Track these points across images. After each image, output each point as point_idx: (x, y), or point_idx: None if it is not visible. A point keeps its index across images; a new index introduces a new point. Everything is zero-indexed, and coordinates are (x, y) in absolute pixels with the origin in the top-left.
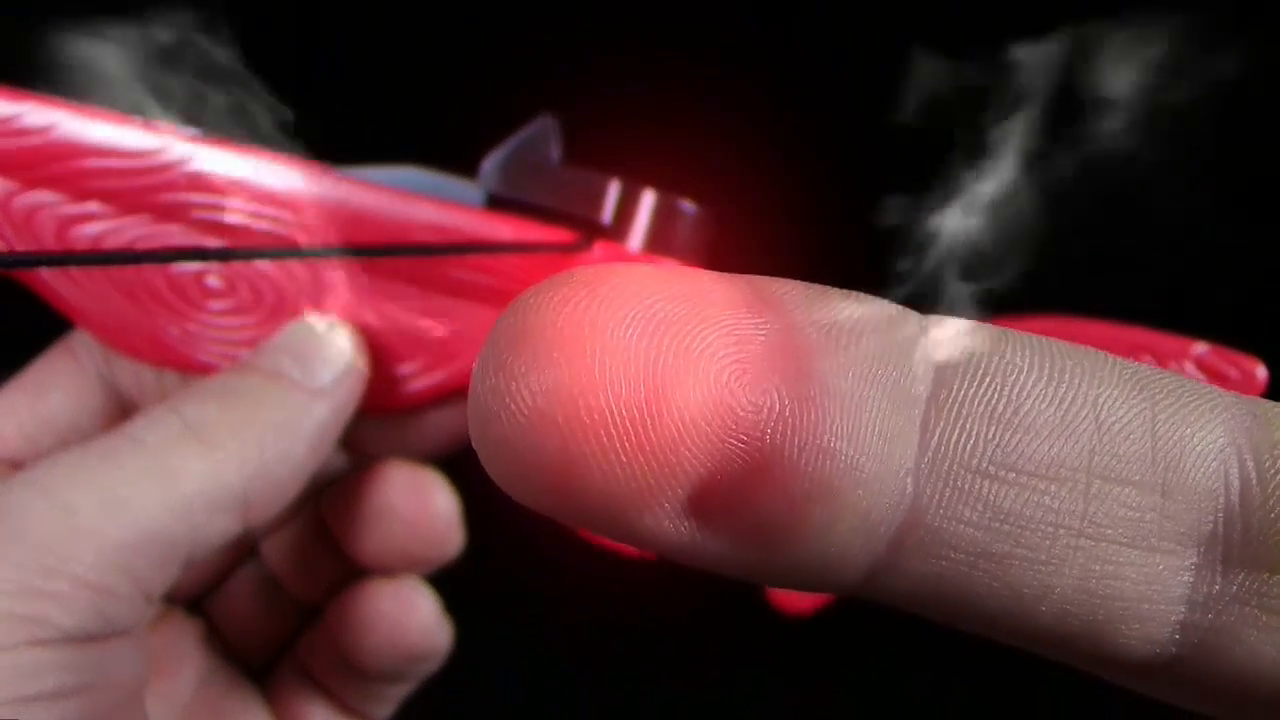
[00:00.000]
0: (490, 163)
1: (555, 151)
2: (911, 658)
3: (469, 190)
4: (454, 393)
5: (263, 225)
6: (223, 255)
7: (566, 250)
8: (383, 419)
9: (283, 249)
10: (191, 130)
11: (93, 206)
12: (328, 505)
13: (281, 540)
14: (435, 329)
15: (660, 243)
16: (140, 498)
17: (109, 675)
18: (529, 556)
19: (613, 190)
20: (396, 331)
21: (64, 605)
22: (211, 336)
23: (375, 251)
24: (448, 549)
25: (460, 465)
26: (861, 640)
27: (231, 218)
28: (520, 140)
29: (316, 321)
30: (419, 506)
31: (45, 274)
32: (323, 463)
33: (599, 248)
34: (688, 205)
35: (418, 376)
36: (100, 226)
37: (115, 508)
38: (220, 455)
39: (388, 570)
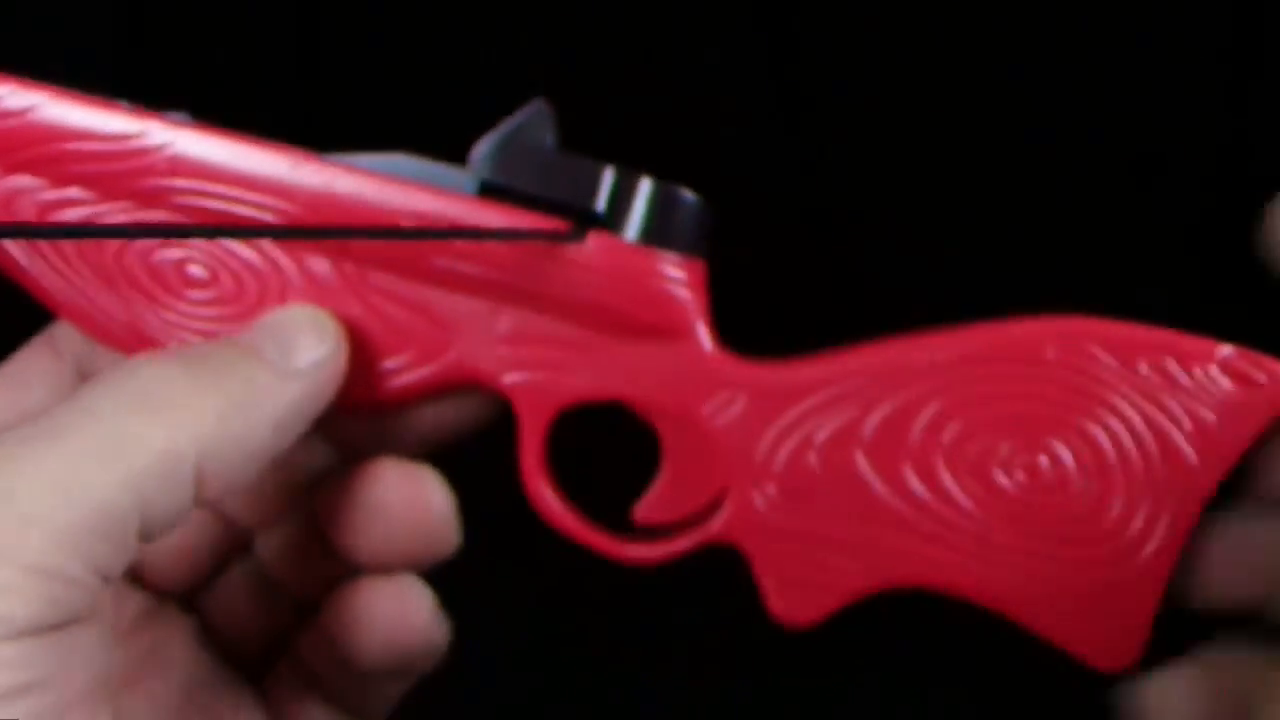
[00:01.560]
0: (481, 147)
1: (549, 137)
2: (919, 668)
3: (461, 177)
4: (443, 387)
5: (247, 212)
6: (196, 233)
7: (557, 240)
8: (371, 414)
9: (264, 229)
10: (176, 114)
11: (74, 192)
12: (320, 502)
13: (275, 536)
14: (423, 321)
15: (658, 234)
16: (89, 474)
17: (70, 667)
18: (528, 555)
19: (607, 177)
20: (384, 324)
21: (15, 596)
22: (192, 327)
23: (356, 233)
24: (444, 546)
25: (453, 460)
26: (867, 650)
27: (215, 204)
28: (513, 124)
29: (300, 309)
30: (413, 503)
31: (24, 261)
32: (288, 448)
33: (592, 238)
34: (687, 194)
35: (406, 370)
36: (82, 212)
37: (62, 488)
38: (175, 419)
39: (383, 568)
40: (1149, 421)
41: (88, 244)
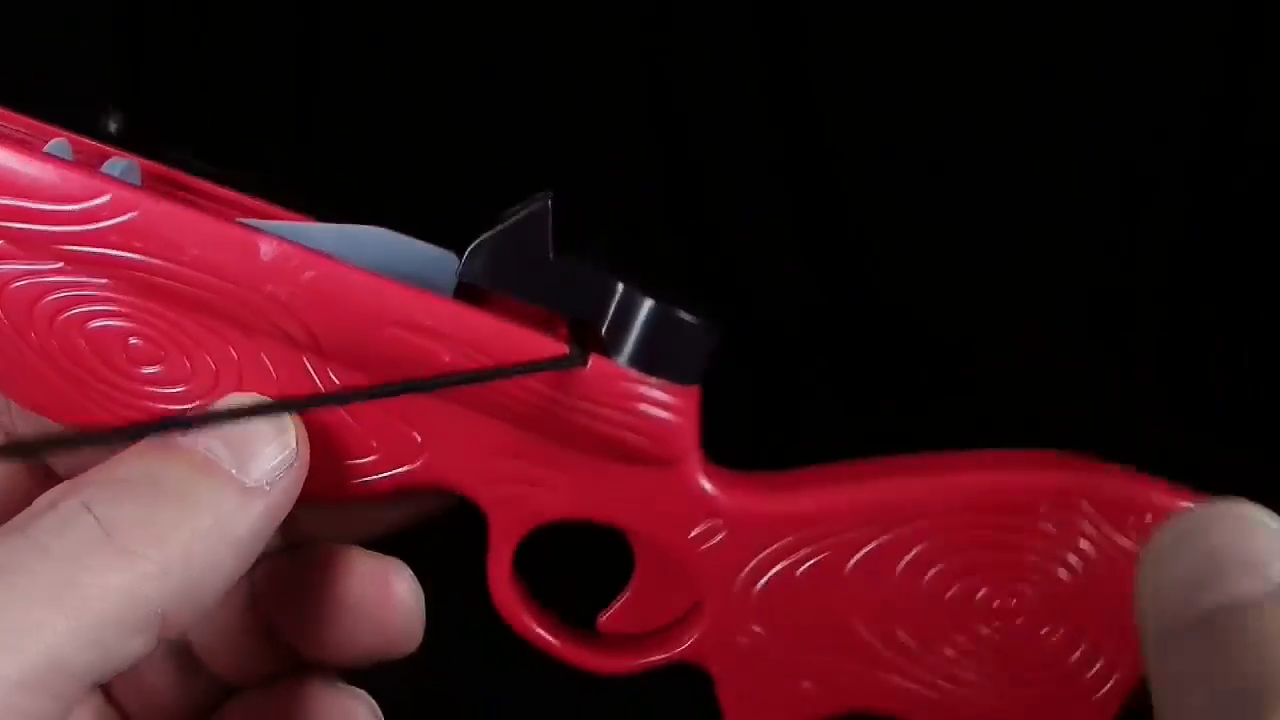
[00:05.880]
0: (477, 252)
1: (549, 238)
2: None
3: (441, 260)
4: (411, 490)
5: (209, 297)
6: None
7: (562, 367)
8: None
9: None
10: (122, 166)
11: None
12: (265, 591)
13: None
14: (395, 421)
15: (655, 358)
16: (42, 624)
17: None
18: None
19: (617, 292)
20: (351, 417)
21: None
22: (139, 406)
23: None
24: (408, 645)
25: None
26: None
27: (168, 282)
28: (514, 224)
29: (255, 399)
30: (383, 599)
31: None
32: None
33: (594, 362)
34: (688, 317)
35: (374, 469)
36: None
37: (10, 639)
38: (140, 568)
39: (337, 664)
40: (1126, 578)
41: (7, 297)
